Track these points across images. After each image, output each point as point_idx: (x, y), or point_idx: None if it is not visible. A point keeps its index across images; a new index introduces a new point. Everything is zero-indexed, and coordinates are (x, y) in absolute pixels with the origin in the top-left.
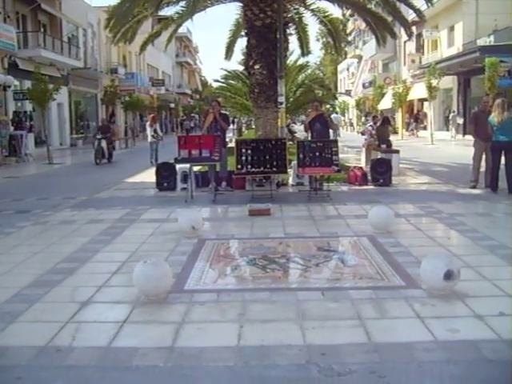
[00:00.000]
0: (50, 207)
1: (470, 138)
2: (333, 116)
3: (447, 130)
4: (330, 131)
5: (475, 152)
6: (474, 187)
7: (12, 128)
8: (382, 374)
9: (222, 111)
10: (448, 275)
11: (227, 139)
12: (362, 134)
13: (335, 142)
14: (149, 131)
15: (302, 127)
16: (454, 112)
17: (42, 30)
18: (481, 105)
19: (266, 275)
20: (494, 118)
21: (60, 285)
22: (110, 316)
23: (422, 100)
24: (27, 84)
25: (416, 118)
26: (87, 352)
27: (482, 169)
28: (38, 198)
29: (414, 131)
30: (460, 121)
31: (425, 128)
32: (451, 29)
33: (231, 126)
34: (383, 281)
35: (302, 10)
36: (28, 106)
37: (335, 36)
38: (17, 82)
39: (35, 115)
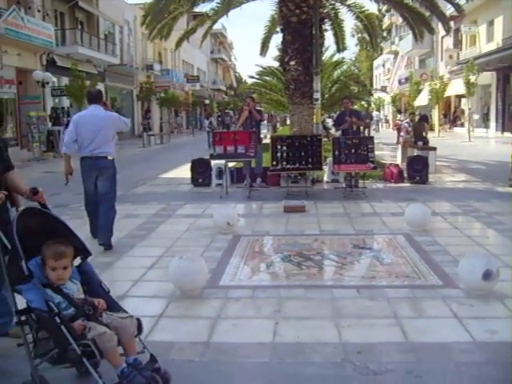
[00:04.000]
0: None
1: (509, 135)
2: (374, 113)
3: (485, 127)
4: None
5: None
6: None
7: (50, 124)
8: (419, 374)
9: (257, 107)
10: (487, 275)
11: (262, 135)
12: (398, 129)
13: (371, 138)
14: (206, 123)
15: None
16: (469, 109)
17: (80, 27)
18: None
19: (300, 272)
20: None
21: None
22: (146, 310)
23: (459, 96)
24: (65, 80)
25: (445, 115)
26: None
27: None
28: (74, 193)
29: (444, 126)
30: (476, 117)
31: (462, 125)
32: (491, 23)
33: (264, 122)
34: (420, 280)
35: (337, 5)
36: (65, 102)
37: (371, 32)
38: (55, 79)
39: (72, 111)
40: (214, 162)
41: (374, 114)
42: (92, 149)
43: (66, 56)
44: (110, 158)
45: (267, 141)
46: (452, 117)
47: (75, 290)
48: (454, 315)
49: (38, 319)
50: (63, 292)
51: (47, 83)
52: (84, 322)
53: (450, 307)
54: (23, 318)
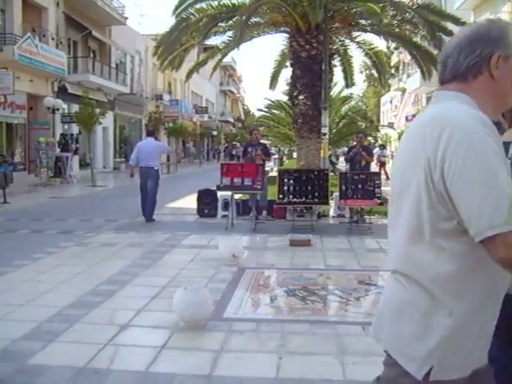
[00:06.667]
0: (92, 229)
1: None
2: (375, 150)
3: None
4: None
5: None
6: None
7: (58, 150)
8: None
9: (261, 141)
10: None
11: (267, 168)
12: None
13: (378, 174)
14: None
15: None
16: None
17: (92, 55)
18: None
19: (305, 307)
20: None
21: (100, 306)
22: (148, 340)
23: None
24: (75, 108)
25: None
26: (125, 376)
27: None
28: (80, 220)
29: None
30: None
31: None
32: None
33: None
34: None
35: (347, 42)
36: (75, 129)
37: (380, 68)
38: (65, 106)
39: (81, 138)
40: (220, 194)
41: (377, 150)
42: (145, 162)
43: (77, 83)
44: (155, 168)
45: (274, 174)
46: None
47: None
48: None
49: None
50: None
51: (57, 110)
52: None
53: None
54: None
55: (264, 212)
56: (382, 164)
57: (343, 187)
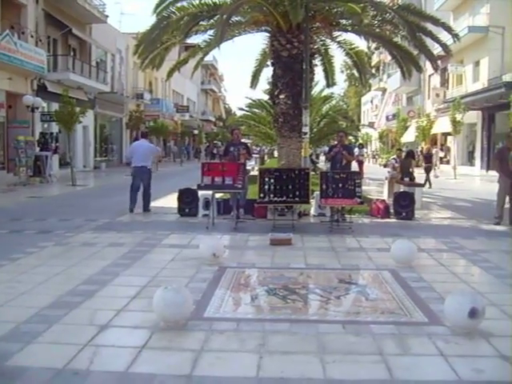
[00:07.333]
0: (71, 228)
1: (494, 173)
2: (355, 150)
3: (471, 165)
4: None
5: (499, 188)
6: (497, 224)
7: (38, 149)
8: None
9: (243, 140)
10: (473, 313)
11: (249, 167)
12: (385, 166)
13: (358, 173)
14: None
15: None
16: (436, 147)
17: (72, 54)
18: (506, 140)
19: (286, 306)
20: None
21: (79, 307)
22: (128, 341)
23: (445, 134)
24: (55, 106)
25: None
26: (104, 376)
27: (507, 205)
28: (60, 219)
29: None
30: (441, 154)
31: (447, 162)
32: (476, 64)
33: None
34: (405, 316)
35: (328, 41)
36: (54, 128)
37: (361, 68)
38: (44, 104)
39: (61, 137)
40: (201, 193)
41: (356, 149)
42: (139, 162)
43: (57, 82)
44: (148, 167)
45: (255, 173)
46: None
47: None
48: (440, 353)
49: None
50: None
51: (37, 108)
52: None
53: (435, 345)
54: None
55: (241, 211)
56: (360, 163)
57: (324, 186)
